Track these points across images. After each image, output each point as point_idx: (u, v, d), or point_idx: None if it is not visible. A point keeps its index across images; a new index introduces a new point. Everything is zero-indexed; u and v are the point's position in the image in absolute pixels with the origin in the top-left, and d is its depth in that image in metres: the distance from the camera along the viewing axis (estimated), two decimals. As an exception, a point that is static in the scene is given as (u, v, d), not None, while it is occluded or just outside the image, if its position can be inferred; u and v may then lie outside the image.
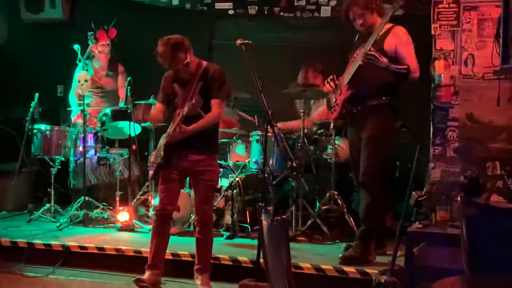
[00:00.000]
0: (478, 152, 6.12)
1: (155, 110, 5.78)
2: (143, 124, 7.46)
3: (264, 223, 3.35)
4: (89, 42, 7.88)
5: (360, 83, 5.67)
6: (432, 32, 6.52)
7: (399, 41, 5.66)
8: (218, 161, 5.78)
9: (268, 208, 6.21)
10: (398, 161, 7.16)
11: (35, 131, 7.55)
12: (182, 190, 6.27)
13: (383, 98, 5.65)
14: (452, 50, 6.47)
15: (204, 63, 5.48)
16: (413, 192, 4.65)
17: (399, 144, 5.91)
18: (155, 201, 7.08)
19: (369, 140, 5.71)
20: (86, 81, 7.30)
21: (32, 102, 7.58)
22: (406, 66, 5.57)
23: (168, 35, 5.39)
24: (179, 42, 5.33)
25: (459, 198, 3.55)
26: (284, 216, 5.47)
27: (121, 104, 7.78)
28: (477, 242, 3.38)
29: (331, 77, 6.00)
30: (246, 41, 5.37)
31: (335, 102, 5.97)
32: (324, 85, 6.19)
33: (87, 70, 7.51)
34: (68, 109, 8.03)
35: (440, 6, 6.49)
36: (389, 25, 5.71)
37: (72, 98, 8.05)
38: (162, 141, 5.45)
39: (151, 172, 5.65)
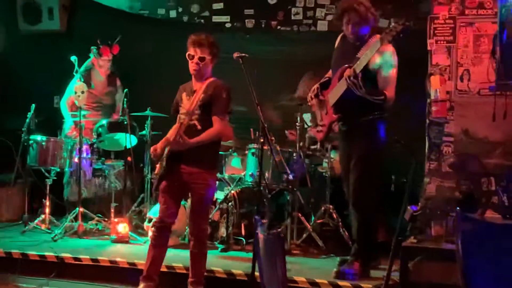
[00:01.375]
0: (473, 168, 6.13)
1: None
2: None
3: (260, 236, 3.36)
4: (90, 55, 7.90)
5: (349, 102, 5.61)
6: (428, 48, 6.54)
7: (385, 62, 5.59)
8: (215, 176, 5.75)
9: (264, 221, 6.21)
10: (393, 175, 7.17)
11: (31, 141, 7.54)
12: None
13: (374, 113, 5.64)
14: (448, 66, 6.49)
15: (212, 78, 5.49)
16: (408, 207, 4.66)
17: (394, 159, 5.92)
18: (150, 213, 7.08)
19: (359, 160, 5.69)
20: (82, 92, 7.30)
21: (29, 113, 7.59)
22: (383, 97, 5.52)
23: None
24: (214, 42, 5.42)
25: (454, 214, 3.56)
26: (280, 230, 5.48)
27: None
28: (472, 257, 3.38)
29: (315, 91, 5.96)
30: (243, 54, 5.38)
31: (321, 121, 5.94)
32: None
33: (84, 82, 7.52)
34: (63, 119, 8.03)
35: (436, 21, 6.52)
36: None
37: (64, 109, 8.05)
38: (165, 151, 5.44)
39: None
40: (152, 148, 5.56)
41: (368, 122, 5.65)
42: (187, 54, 5.40)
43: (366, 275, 5.71)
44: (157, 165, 5.56)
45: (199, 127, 5.33)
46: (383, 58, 5.59)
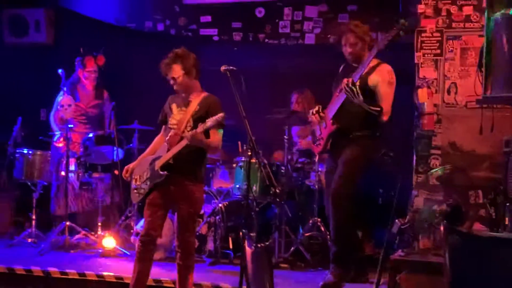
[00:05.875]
0: (461, 181, 6.14)
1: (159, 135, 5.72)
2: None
3: (248, 250, 3.34)
4: (76, 67, 7.88)
5: (345, 116, 5.81)
6: (416, 61, 6.57)
7: (382, 80, 5.78)
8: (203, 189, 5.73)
9: (251, 234, 6.19)
10: (381, 188, 7.17)
11: (17, 155, 7.51)
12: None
13: (365, 131, 5.78)
14: (435, 79, 6.52)
15: (204, 92, 5.49)
16: (396, 220, 4.66)
17: (382, 172, 5.93)
18: (137, 226, 7.05)
19: (343, 163, 5.82)
20: (69, 105, 7.28)
21: (15, 126, 7.55)
22: (379, 109, 5.67)
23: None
24: (183, 55, 5.36)
25: (442, 227, 3.55)
26: (268, 243, 5.45)
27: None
28: (459, 270, 3.38)
29: (317, 108, 6.05)
30: (231, 68, 5.37)
31: (320, 135, 6.04)
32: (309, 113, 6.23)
33: (71, 95, 7.49)
34: (50, 133, 7.98)
35: (423, 35, 6.55)
36: (376, 62, 5.80)
37: (52, 122, 8.01)
38: (154, 163, 5.38)
39: (136, 195, 5.56)
40: (125, 169, 5.55)
41: (359, 137, 5.80)
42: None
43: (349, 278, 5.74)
44: (135, 177, 5.51)
45: None
46: (381, 76, 5.78)
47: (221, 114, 5.14)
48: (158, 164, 5.33)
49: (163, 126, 5.63)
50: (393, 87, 5.80)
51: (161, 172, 5.29)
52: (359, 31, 5.84)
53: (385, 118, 5.72)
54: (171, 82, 5.40)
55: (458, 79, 6.45)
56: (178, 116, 5.40)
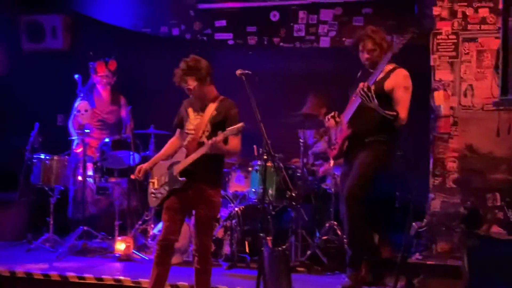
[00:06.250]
0: (478, 183, 6.12)
1: (173, 137, 5.71)
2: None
3: (265, 253, 3.34)
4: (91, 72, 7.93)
5: (360, 121, 5.78)
6: (431, 63, 6.55)
7: (398, 84, 5.74)
8: (220, 193, 5.74)
9: (268, 238, 6.19)
10: (398, 191, 7.15)
11: (34, 160, 7.54)
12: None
13: (380, 136, 5.73)
14: (452, 81, 6.50)
15: (220, 96, 5.49)
16: (414, 223, 4.64)
17: (399, 175, 5.91)
18: (154, 231, 7.06)
19: (356, 167, 5.80)
20: (86, 110, 7.31)
21: (32, 132, 7.59)
22: (395, 113, 5.62)
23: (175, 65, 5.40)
24: (195, 66, 5.33)
25: (460, 230, 3.55)
26: (284, 247, 5.46)
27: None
28: (478, 273, 3.37)
29: (333, 113, 6.03)
30: (246, 71, 5.37)
31: (335, 139, 6.02)
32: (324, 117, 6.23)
33: (87, 101, 7.53)
34: (68, 138, 8.02)
35: (439, 37, 6.54)
36: (391, 66, 5.78)
37: (71, 127, 8.05)
38: (172, 168, 5.39)
39: (153, 199, 5.56)
40: (137, 168, 5.57)
41: (374, 142, 5.76)
42: None
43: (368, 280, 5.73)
44: (153, 180, 5.52)
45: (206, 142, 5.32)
46: (397, 81, 5.73)
47: (241, 124, 5.13)
48: (176, 169, 5.33)
49: (178, 130, 5.65)
50: (409, 92, 5.75)
51: (180, 178, 5.29)
52: (377, 38, 5.80)
53: (401, 123, 5.67)
54: (187, 91, 5.41)
55: (474, 81, 6.44)
56: (195, 121, 5.40)
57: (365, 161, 5.75)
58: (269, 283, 3.31)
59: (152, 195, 5.50)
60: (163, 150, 5.67)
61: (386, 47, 5.79)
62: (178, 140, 5.60)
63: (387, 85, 5.74)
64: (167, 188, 5.37)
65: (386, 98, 5.68)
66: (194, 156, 5.24)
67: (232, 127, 5.12)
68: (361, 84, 5.61)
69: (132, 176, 7.34)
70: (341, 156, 6.06)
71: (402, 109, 5.67)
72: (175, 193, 5.35)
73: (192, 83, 5.32)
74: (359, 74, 6.12)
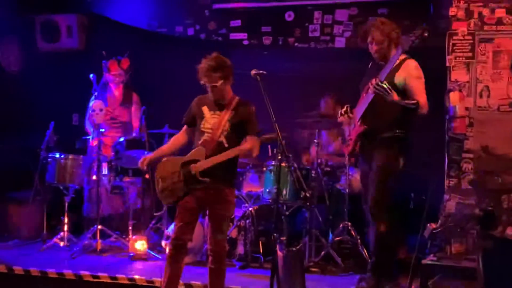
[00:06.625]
0: (493, 185, 6.08)
1: (180, 133, 5.70)
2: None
3: (279, 253, 3.34)
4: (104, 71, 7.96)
5: (373, 117, 5.71)
6: (447, 64, 6.52)
7: (409, 75, 5.66)
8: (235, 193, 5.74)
9: (282, 238, 6.19)
10: (413, 192, 7.13)
11: (49, 159, 7.57)
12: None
13: (396, 131, 5.66)
14: (467, 82, 6.46)
15: (236, 96, 5.49)
16: (428, 224, 4.63)
17: (413, 176, 5.88)
18: (168, 230, 7.07)
19: (375, 172, 5.72)
20: (101, 110, 7.34)
21: (48, 131, 7.62)
22: (415, 101, 5.55)
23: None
24: (223, 64, 5.35)
25: (475, 231, 3.53)
26: (298, 247, 5.45)
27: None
28: (493, 275, 3.35)
29: (345, 108, 6.00)
30: (261, 72, 5.36)
31: (349, 136, 5.99)
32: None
33: (101, 99, 7.55)
34: (83, 137, 8.05)
35: (455, 38, 6.50)
36: (402, 57, 5.70)
37: (88, 126, 8.08)
38: (188, 167, 5.38)
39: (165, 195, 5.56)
40: (142, 159, 5.57)
41: (390, 138, 5.68)
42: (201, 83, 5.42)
43: None
44: (162, 177, 5.47)
45: (226, 144, 5.33)
46: (407, 72, 5.64)
47: (276, 135, 5.15)
48: (195, 168, 5.30)
49: (185, 127, 5.62)
50: (422, 82, 5.67)
51: (201, 179, 5.28)
52: (385, 28, 5.73)
53: (424, 110, 5.57)
54: (209, 88, 5.39)
55: (490, 82, 6.40)
56: (212, 120, 5.39)
57: (382, 165, 5.66)
58: (283, 283, 3.31)
59: (165, 192, 5.47)
60: (168, 146, 5.69)
61: (396, 38, 5.73)
62: (184, 137, 5.62)
63: (398, 77, 5.64)
64: (183, 186, 5.36)
65: (397, 91, 5.56)
66: (219, 159, 5.25)
67: (269, 136, 5.15)
68: (373, 81, 5.56)
69: (147, 176, 7.40)
70: (356, 152, 6.01)
71: (421, 97, 5.58)
72: (191, 192, 5.35)
73: (218, 81, 5.32)
74: (369, 65, 6.07)
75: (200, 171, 5.27)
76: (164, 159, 5.54)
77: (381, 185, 5.68)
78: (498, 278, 3.35)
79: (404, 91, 5.63)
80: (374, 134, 5.76)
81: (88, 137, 7.93)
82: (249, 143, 5.32)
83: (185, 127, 5.64)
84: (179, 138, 5.67)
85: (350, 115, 5.94)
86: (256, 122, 5.44)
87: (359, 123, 5.82)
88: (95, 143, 7.70)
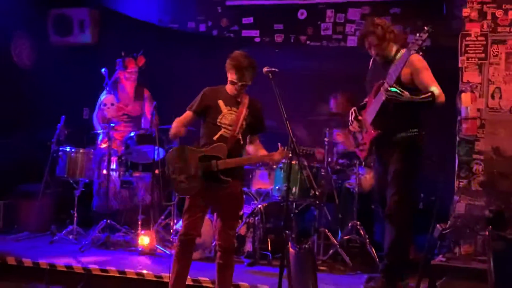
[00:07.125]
0: (504, 186, 6.07)
1: (183, 118, 5.62)
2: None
3: (291, 251, 3.34)
4: (117, 68, 7.95)
5: (386, 119, 5.63)
6: (459, 65, 6.51)
7: (415, 69, 5.55)
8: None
9: (292, 236, 6.19)
10: (422, 193, 7.11)
11: (60, 153, 7.59)
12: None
13: (410, 130, 5.61)
14: (479, 83, 6.45)
15: (247, 94, 5.50)
16: (438, 225, 4.62)
17: (423, 177, 5.87)
18: (177, 226, 7.08)
19: (396, 175, 5.65)
20: (112, 104, 7.36)
21: (58, 124, 7.64)
22: (430, 94, 5.44)
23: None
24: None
25: (486, 232, 3.52)
26: (307, 245, 5.44)
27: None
28: (504, 276, 3.35)
29: (353, 114, 5.95)
30: (273, 69, 5.35)
31: (362, 140, 5.93)
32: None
33: (113, 94, 7.57)
34: (93, 132, 8.06)
35: (468, 39, 6.49)
36: (403, 51, 5.62)
37: (96, 121, 8.09)
38: (209, 162, 5.36)
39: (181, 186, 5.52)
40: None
41: (405, 138, 5.63)
42: (230, 79, 5.39)
43: None
44: (177, 166, 5.39)
45: (242, 141, 5.39)
46: (412, 67, 5.55)
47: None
48: (217, 166, 5.29)
49: (193, 115, 5.54)
50: (430, 71, 5.56)
51: (224, 178, 5.30)
52: (380, 31, 5.63)
53: (441, 99, 5.44)
54: (236, 86, 5.36)
55: (502, 84, 6.39)
56: (230, 116, 5.38)
57: (399, 170, 5.60)
58: (294, 280, 3.31)
59: (181, 184, 5.40)
60: (184, 124, 5.61)
61: (393, 37, 5.68)
62: (188, 124, 5.60)
63: (404, 74, 5.53)
64: (200, 181, 5.34)
65: (406, 89, 5.46)
66: (245, 162, 5.40)
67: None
68: (382, 89, 5.47)
69: (157, 171, 7.41)
70: (371, 156, 5.96)
71: (434, 85, 5.48)
72: (207, 188, 5.35)
73: (250, 81, 5.38)
74: (370, 62, 6.01)
75: (221, 170, 5.29)
76: (180, 146, 5.55)
77: (398, 193, 5.61)
78: (508, 279, 3.35)
79: (414, 87, 5.54)
80: (388, 136, 5.69)
81: (99, 131, 7.94)
82: (279, 154, 5.37)
83: (191, 114, 5.55)
84: (184, 123, 5.60)
85: (360, 118, 5.90)
86: (264, 122, 5.54)
87: (371, 128, 5.78)
88: (103, 145, 7.72)
